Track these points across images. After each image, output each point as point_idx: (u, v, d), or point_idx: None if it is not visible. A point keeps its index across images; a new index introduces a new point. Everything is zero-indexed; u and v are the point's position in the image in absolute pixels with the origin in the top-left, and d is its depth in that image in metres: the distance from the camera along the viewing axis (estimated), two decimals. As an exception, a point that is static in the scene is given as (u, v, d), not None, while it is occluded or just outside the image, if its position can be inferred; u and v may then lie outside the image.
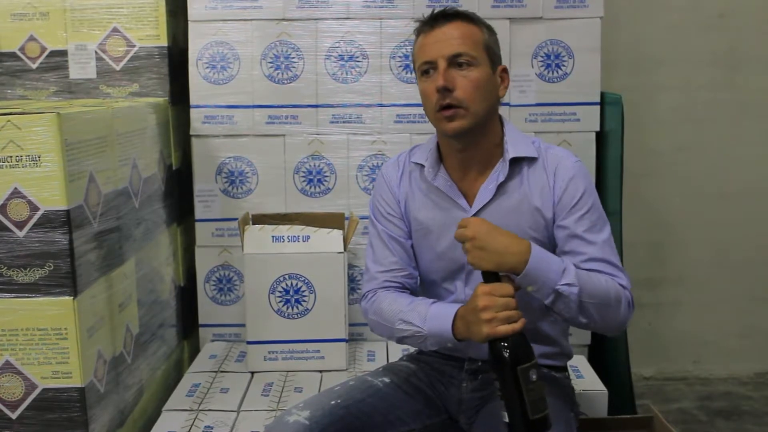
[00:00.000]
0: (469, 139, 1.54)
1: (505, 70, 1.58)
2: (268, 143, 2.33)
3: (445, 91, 1.49)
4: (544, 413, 1.33)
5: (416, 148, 1.69)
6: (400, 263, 1.66)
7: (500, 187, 1.56)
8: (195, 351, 2.38)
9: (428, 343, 1.53)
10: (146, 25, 2.26)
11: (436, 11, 1.56)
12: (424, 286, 1.70)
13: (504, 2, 2.28)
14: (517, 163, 1.57)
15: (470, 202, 1.58)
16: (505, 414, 1.34)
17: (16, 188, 1.51)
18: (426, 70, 1.53)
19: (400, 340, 1.60)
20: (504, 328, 1.36)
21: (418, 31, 1.57)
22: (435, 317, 1.50)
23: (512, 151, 1.56)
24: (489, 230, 1.43)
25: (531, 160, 1.58)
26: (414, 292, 1.68)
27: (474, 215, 1.56)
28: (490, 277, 1.42)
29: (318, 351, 2.15)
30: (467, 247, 1.43)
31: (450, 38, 1.51)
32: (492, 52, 1.55)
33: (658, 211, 2.94)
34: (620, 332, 1.53)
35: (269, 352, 2.15)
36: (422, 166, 1.62)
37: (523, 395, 1.32)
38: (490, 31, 1.58)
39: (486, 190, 1.57)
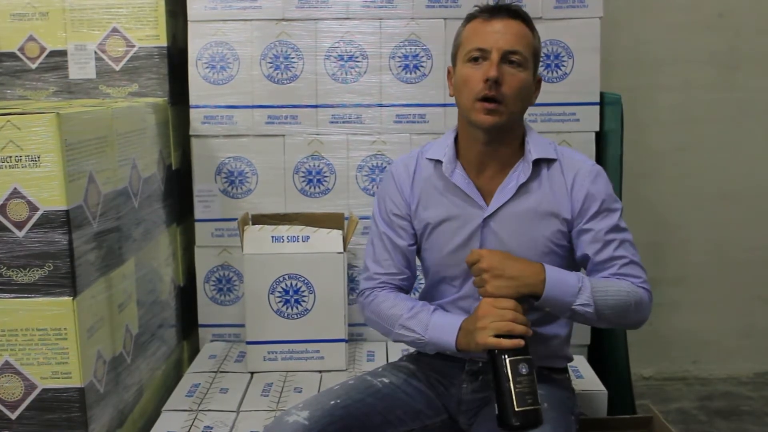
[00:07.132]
0: (496, 136, 1.53)
1: (539, 81, 1.58)
2: (267, 143, 2.33)
3: (495, 83, 1.47)
4: (532, 407, 1.32)
5: (430, 145, 1.67)
6: (398, 267, 1.66)
7: (520, 188, 1.55)
8: (194, 351, 2.38)
9: (428, 348, 1.56)
10: (146, 25, 2.26)
11: (499, 3, 1.54)
12: (429, 282, 1.69)
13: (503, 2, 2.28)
14: (537, 165, 1.56)
15: (487, 201, 1.58)
16: (496, 407, 1.35)
17: (15, 188, 1.51)
18: (476, 57, 1.50)
19: (397, 341, 1.62)
20: (494, 341, 1.38)
21: (472, 16, 1.55)
22: (437, 327, 1.52)
23: (534, 152, 1.55)
24: (502, 258, 1.45)
25: (550, 163, 1.57)
26: (409, 293, 1.69)
27: (491, 215, 1.56)
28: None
29: (317, 351, 2.15)
30: (484, 278, 1.44)
31: (509, 33, 1.49)
32: (537, 60, 1.55)
33: (658, 211, 2.94)
34: (641, 325, 1.58)
35: (269, 353, 2.15)
36: (439, 162, 1.61)
37: (510, 385, 1.32)
38: (539, 40, 1.57)
39: (505, 189, 1.56)
